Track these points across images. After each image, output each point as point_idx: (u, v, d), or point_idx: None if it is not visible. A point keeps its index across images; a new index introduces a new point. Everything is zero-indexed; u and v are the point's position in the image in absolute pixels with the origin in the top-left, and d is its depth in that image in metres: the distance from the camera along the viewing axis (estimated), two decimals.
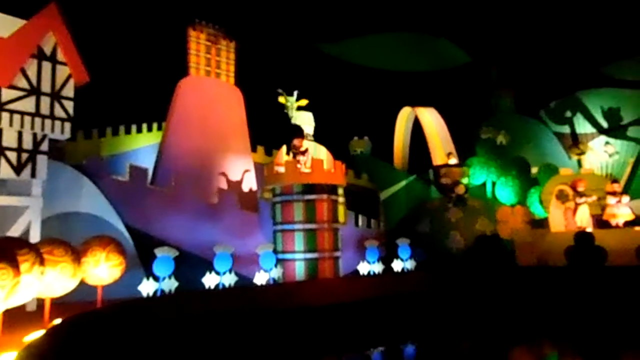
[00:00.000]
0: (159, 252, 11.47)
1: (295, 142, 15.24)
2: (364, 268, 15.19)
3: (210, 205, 14.65)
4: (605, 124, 24.16)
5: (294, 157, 15.16)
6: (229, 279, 12.51)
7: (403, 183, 23.95)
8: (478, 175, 22.84)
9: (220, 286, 12.36)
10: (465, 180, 20.70)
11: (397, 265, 15.96)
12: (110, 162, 17.42)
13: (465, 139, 24.54)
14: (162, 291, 11.32)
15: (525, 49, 25.27)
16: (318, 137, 19.78)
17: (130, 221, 13.26)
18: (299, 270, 14.00)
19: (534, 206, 19.28)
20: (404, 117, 25.24)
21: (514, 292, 14.97)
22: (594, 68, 24.45)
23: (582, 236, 14.83)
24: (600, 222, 16.80)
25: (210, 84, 18.29)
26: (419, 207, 20.53)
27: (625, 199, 16.08)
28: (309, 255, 14.07)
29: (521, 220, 17.39)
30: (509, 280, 15.39)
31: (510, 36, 25.63)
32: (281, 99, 17.91)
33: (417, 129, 24.50)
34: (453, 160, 20.98)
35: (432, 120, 22.58)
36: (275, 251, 14.36)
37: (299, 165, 14.90)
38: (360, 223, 17.87)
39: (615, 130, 23.77)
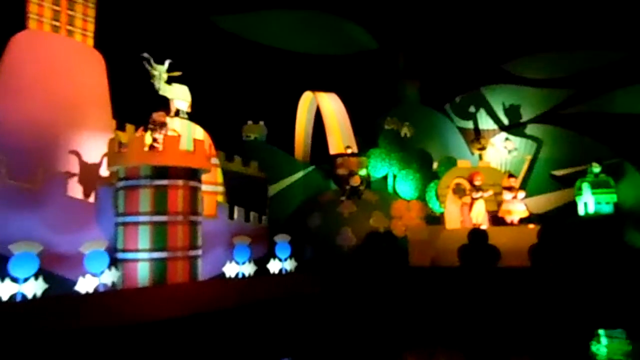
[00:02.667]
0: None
1: (155, 115, 12.08)
2: (231, 270, 12.42)
3: (27, 191, 11.01)
4: (506, 121, 23.24)
5: (152, 134, 11.99)
6: (33, 288, 9.17)
7: (300, 174, 21.51)
8: (379, 167, 20.97)
9: (19, 297, 9.00)
10: (363, 172, 18.63)
11: (274, 266, 13.36)
12: None
13: (368, 129, 22.60)
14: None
15: (433, 40, 23.78)
16: (205, 118, 16.73)
17: None
18: (142, 274, 10.92)
19: (433, 201, 17.59)
20: (306, 103, 22.79)
21: (403, 296, 12.96)
22: (497, 64, 23.43)
23: (475, 234, 13.12)
24: (496, 218, 15.33)
25: (57, 42, 14.51)
26: (310, 200, 18.12)
27: (521, 194, 14.68)
28: (156, 255, 11.06)
29: (416, 216, 15.50)
30: (398, 282, 13.36)
31: (418, 26, 24.03)
32: (150, 67, 14.62)
33: (320, 116, 22.13)
34: (351, 150, 18.80)
35: (331, 107, 20.32)
36: (115, 250, 11.16)
37: (156, 145, 11.76)
38: (236, 216, 15.01)
39: (515, 127, 22.89)
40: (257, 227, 15.17)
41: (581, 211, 19.26)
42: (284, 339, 10.22)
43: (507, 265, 12.88)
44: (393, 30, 23.72)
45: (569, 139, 21.94)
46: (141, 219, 11.08)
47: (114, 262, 10.93)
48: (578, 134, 21.79)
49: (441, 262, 14.08)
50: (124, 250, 11.18)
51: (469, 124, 24.02)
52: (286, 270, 13.48)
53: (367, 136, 22.44)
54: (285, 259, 13.61)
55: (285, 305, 11.86)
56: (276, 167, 21.02)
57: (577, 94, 22.26)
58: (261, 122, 21.65)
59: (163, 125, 11.82)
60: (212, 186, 15.62)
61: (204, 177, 15.27)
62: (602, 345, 9.04)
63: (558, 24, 22.52)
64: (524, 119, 23.00)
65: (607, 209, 18.73)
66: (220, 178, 16.12)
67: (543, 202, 21.62)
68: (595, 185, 19.00)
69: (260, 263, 13.44)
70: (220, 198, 15.72)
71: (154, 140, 11.59)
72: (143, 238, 10.98)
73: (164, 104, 15.14)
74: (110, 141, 11.90)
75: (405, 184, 20.08)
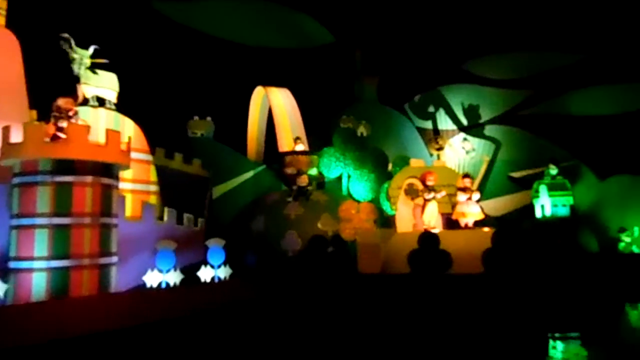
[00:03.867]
0: None
1: (61, 102, 10.36)
2: (152, 279, 10.81)
3: None
4: (465, 121, 22.36)
5: (56, 122, 10.26)
6: None
7: (250, 174, 19.96)
8: (333, 167, 19.71)
9: None
10: (313, 171, 17.30)
11: (205, 274, 11.81)
12: None
13: (323, 127, 21.30)
14: None
15: (392, 37, 22.73)
16: (146, 113, 15.06)
17: None
18: (37, 286, 9.17)
19: (386, 203, 16.43)
20: (258, 99, 21.30)
21: (347, 306, 11.64)
22: (456, 63, 22.55)
23: (425, 238, 11.94)
24: (450, 221, 14.27)
25: None
26: (255, 201, 16.64)
27: (476, 196, 13.63)
28: (56, 264, 9.33)
29: (367, 218, 14.25)
30: (342, 291, 12.04)
31: (376, 21, 22.91)
32: (69, 49, 12.84)
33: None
34: (300, 147, 17.42)
35: (282, 102, 18.93)
36: (6, 258, 9.39)
37: (61, 135, 10.04)
38: (166, 218, 13.33)
39: (474, 128, 22.04)
40: (191, 230, 13.59)
41: (538, 214, 18.57)
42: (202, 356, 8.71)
43: (459, 272, 11.76)
44: (350, 24, 22.54)
45: (527, 141, 21.24)
46: (38, 221, 9.37)
47: (3, 273, 9.16)
48: (536, 136, 21.15)
49: (392, 269, 12.86)
50: (16, 259, 9.42)
51: (428, 124, 23.05)
52: (219, 278, 11.95)
53: (321, 135, 21.15)
54: (219, 266, 12.08)
55: (208, 317, 10.35)
56: (224, 166, 19.42)
57: (535, 95, 21.62)
58: (208, 118, 20.03)
59: (70, 113, 10.11)
60: (142, 185, 14.00)
61: (133, 175, 13.57)
62: (557, 350, 8.48)
63: (517, 25, 21.86)
64: (483, 119, 22.20)
65: (564, 211, 18.07)
66: (153, 176, 14.47)
67: (501, 204, 20.83)
68: (552, 188, 18.34)
69: (194, 271, 11.89)
70: (152, 198, 14.07)
71: (59, 129, 9.87)
72: (40, 244, 9.26)
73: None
74: (2, 129, 10.07)
75: (359, 185, 18.89)
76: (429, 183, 13.46)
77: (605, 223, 17.78)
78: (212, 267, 12.01)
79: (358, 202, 14.62)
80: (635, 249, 16.58)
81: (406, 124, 22.33)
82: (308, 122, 21.23)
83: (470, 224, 13.63)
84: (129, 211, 12.25)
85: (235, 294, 11.71)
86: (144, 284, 10.88)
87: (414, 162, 14.95)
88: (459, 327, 10.29)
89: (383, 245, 13.36)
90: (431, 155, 21.33)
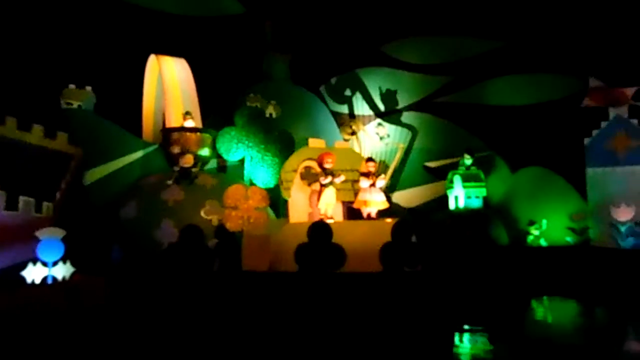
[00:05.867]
0: None
1: None
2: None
3: None
4: (382, 107, 20.73)
5: None
6: None
7: (139, 154, 16.99)
8: (234, 149, 17.28)
9: None
10: (204, 152, 14.79)
11: (34, 274, 9.00)
12: None
13: (226, 105, 18.76)
14: None
15: (306, 11, 20.53)
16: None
17: None
18: None
19: None
20: (155, 70, 18.24)
21: (211, 311, 9.38)
22: (375, 45, 20.84)
23: (315, 230, 9.91)
24: (352, 211, 12.40)
25: None
26: (130, 186, 13.86)
27: (381, 182, 11.79)
28: None
29: (257, 205, 11.99)
30: (208, 292, 9.76)
31: None
32: None
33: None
34: (190, 123, 14.80)
35: (176, 73, 16.15)
36: None
37: None
38: (21, 206, 10.31)
39: (391, 114, 20.49)
40: (31, 218, 10.63)
41: (452, 205, 17.40)
42: None
43: (355, 269, 9.87)
44: None
45: (444, 129, 20.04)
46: None
47: None
48: (453, 124, 19.98)
49: (280, 265, 10.73)
50: None
51: (344, 109, 21.21)
52: (54, 278, 9.19)
53: (224, 113, 18.62)
54: (55, 263, 9.30)
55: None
56: (106, 144, 16.35)
57: (453, 82, 20.41)
58: (88, 88, 16.77)
59: None
60: None
61: None
62: (463, 345, 7.93)
63: (438, 8, 20.47)
64: (401, 105, 20.70)
65: (477, 203, 17.04)
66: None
67: (416, 195, 19.53)
68: (467, 179, 17.23)
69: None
70: None
71: None
72: None
73: None
74: None
75: (261, 170, 16.63)
76: (327, 166, 11.43)
77: (516, 216, 17.02)
78: (45, 264, 9.22)
79: (246, 186, 12.27)
80: (543, 242, 15.85)
81: (320, 107, 20.27)
82: (210, 99, 18.61)
83: (374, 214, 11.81)
84: None
85: (74, 299, 9.04)
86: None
87: (313, 142, 12.84)
88: (349, 332, 8.38)
89: (272, 238, 11.21)
90: (346, 141, 19.58)
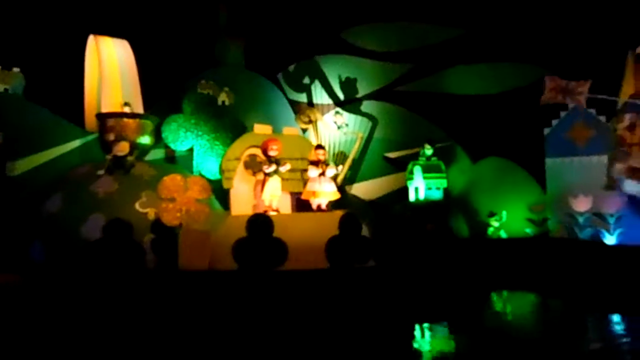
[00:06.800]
0: None
1: None
2: None
3: None
4: (341, 95, 19.82)
5: None
6: None
7: (76, 143, 15.59)
8: (182, 138, 16.10)
9: None
10: (145, 139, 13.55)
11: None
12: None
13: (175, 91, 17.47)
14: None
15: None
16: None
17: None
18: None
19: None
20: (96, 53, 16.71)
21: (135, 316, 8.30)
22: (334, 31, 19.88)
23: (254, 223, 8.91)
24: (302, 203, 11.46)
25: None
26: (58, 177, 12.49)
27: (331, 171, 10.86)
28: None
29: (198, 196, 10.87)
30: (133, 295, 8.66)
31: None
32: None
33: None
34: (129, 109, 13.48)
35: (116, 55, 14.76)
36: None
37: None
38: None
39: (350, 102, 19.61)
40: None
41: (412, 197, 16.73)
42: None
43: (298, 266, 8.95)
44: None
45: (404, 119, 19.30)
46: None
47: None
48: (414, 114, 19.28)
49: (219, 263, 9.69)
50: None
51: (303, 97, 20.20)
52: None
53: (173, 100, 17.34)
54: None
55: None
56: (36, 132, 14.88)
57: (414, 70, 19.68)
58: (16, 69, 15.22)
59: None
60: None
61: None
62: (425, 340, 7.72)
63: None
64: (361, 94, 19.85)
65: (438, 194, 16.43)
66: None
67: (376, 187, 18.75)
68: (427, 169, 16.59)
69: None
70: None
71: None
72: None
73: None
74: None
75: (210, 161, 15.52)
76: (272, 153, 10.40)
77: (477, 207, 16.50)
78: None
79: (185, 176, 11.10)
80: (503, 234, 15.39)
81: (277, 95, 19.21)
82: (158, 85, 17.30)
83: (324, 205, 10.90)
84: None
85: None
86: None
87: (259, 128, 11.77)
88: (290, 336, 7.51)
89: (213, 233, 10.15)
90: (304, 132, 18.61)
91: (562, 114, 15.73)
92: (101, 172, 11.65)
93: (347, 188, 18.30)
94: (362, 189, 18.63)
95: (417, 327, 8.17)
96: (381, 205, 18.10)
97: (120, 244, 9.27)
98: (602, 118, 15.03)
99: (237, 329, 8.19)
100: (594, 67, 15.53)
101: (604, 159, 13.90)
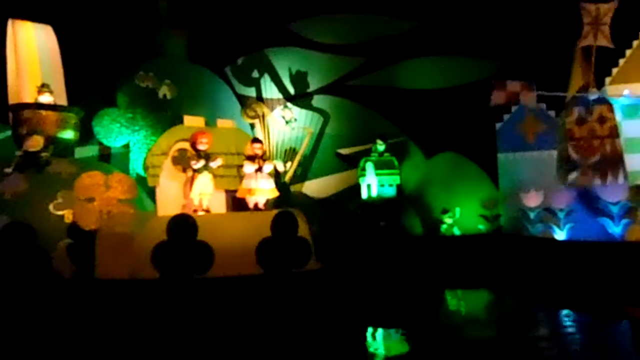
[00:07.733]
0: None
1: None
2: None
3: None
4: (292, 89, 18.92)
5: None
6: None
7: None
8: (117, 134, 14.84)
9: None
10: (68, 134, 12.21)
11: None
12: None
13: (110, 84, 16.12)
14: None
15: None
16: None
17: None
18: None
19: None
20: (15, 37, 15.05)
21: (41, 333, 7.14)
22: (282, 23, 18.96)
23: (175, 225, 7.87)
24: (238, 201, 10.48)
25: None
26: None
27: (268, 167, 9.93)
28: None
29: (121, 196, 9.70)
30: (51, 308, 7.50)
31: None
32: None
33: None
34: (47, 98, 12.05)
35: (34, 40, 13.28)
36: None
37: None
38: None
39: (302, 97, 18.75)
40: None
41: (364, 194, 16.07)
42: None
43: (227, 273, 7.97)
44: None
45: (356, 114, 18.61)
46: None
47: None
48: (367, 108, 18.62)
49: (140, 271, 8.57)
50: None
51: (252, 91, 19.17)
52: None
53: (107, 93, 16.00)
54: None
55: None
56: None
57: (366, 63, 19.01)
58: None
59: None
60: None
61: None
62: (379, 345, 7.56)
63: None
64: (312, 88, 19.03)
65: (390, 191, 15.84)
66: None
67: (327, 184, 17.98)
68: (379, 166, 15.97)
69: None
70: None
71: None
72: None
73: None
74: None
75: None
76: (201, 147, 9.37)
77: (430, 204, 15.99)
78: None
79: (105, 174, 9.89)
80: (456, 231, 14.94)
81: (222, 88, 18.08)
82: (90, 77, 15.91)
83: (262, 204, 9.96)
84: None
85: None
86: None
87: (190, 121, 10.70)
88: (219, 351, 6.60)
89: (133, 236, 9.02)
90: (253, 127, 17.62)
91: (514, 108, 15.42)
92: (8, 169, 10.27)
93: (297, 186, 17.47)
94: (313, 187, 17.83)
95: (368, 330, 7.87)
96: (333, 203, 17.37)
97: (20, 250, 8.01)
98: (552, 113, 14.83)
99: (154, 346, 7.21)
100: (545, 61, 15.35)
101: (554, 153, 13.66)
